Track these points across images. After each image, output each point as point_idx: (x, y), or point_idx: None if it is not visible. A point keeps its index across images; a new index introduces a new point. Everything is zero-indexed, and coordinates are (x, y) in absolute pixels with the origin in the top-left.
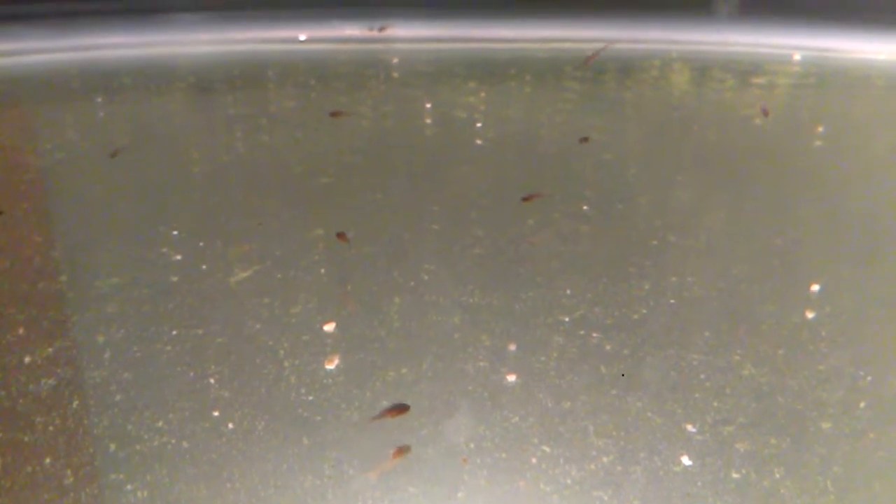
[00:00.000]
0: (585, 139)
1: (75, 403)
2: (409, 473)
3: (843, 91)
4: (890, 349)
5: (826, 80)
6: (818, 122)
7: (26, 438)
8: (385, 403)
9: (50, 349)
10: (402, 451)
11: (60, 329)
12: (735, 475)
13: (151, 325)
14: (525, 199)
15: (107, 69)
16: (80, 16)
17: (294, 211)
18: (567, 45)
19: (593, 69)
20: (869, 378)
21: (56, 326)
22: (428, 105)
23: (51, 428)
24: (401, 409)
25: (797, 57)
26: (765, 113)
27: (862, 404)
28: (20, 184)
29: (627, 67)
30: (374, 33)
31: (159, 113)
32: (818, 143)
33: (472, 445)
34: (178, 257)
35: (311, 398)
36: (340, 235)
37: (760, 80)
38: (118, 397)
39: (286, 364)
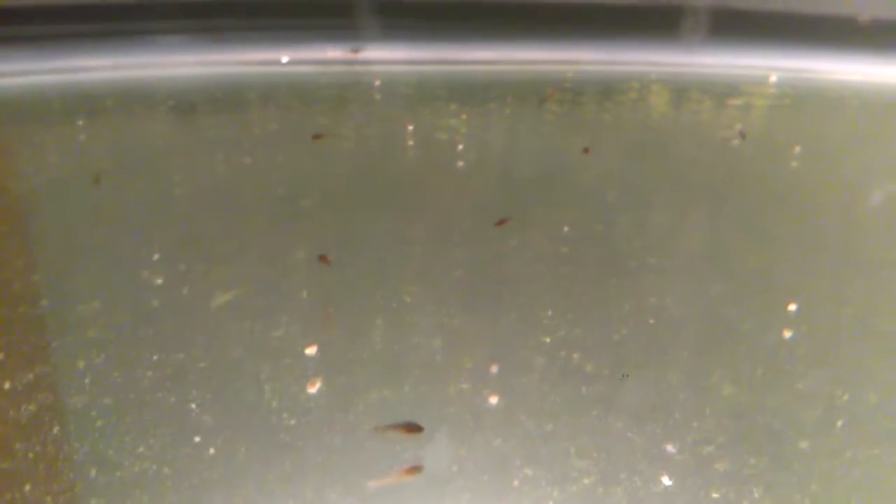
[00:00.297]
0: (586, 150)
1: (56, 429)
2: (392, 497)
3: (819, 112)
4: (866, 368)
5: (802, 101)
6: (794, 143)
7: (6, 465)
8: (367, 427)
9: (30, 374)
10: (414, 469)
11: (41, 354)
12: (715, 495)
13: (132, 349)
14: (498, 224)
15: (88, 91)
16: (60, 38)
17: (276, 234)
18: (547, 68)
19: (573, 91)
20: (846, 397)
21: (37, 351)
22: (410, 127)
23: (31, 454)
24: (413, 428)
25: (773, 78)
26: (742, 135)
27: (839, 423)
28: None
29: (606, 90)
30: (353, 55)
31: (141, 135)
32: (794, 163)
33: (454, 468)
34: (160, 281)
35: (293, 422)
36: (322, 258)
37: (737, 102)
38: (99, 423)
39: (268, 388)
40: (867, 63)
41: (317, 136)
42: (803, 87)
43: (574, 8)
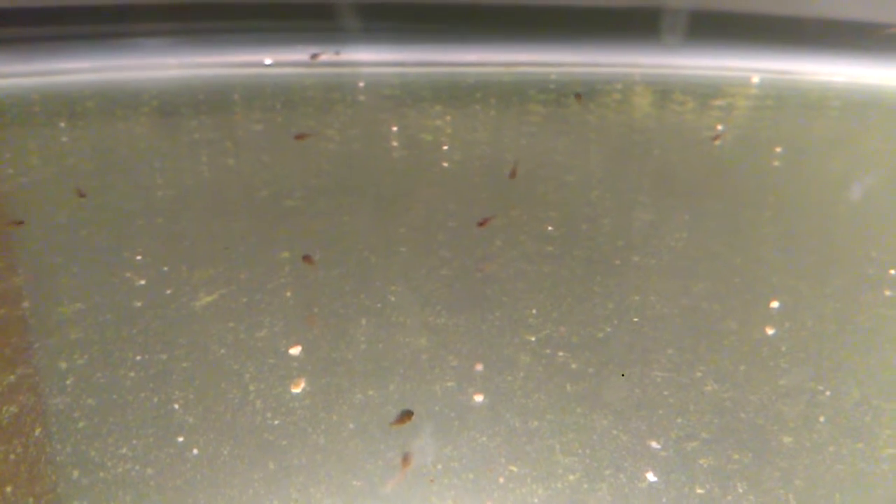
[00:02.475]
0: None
1: (38, 431)
2: (377, 495)
3: (801, 113)
4: (848, 364)
5: (784, 102)
6: (776, 143)
7: None
8: (352, 426)
9: (12, 376)
10: (407, 460)
11: (22, 355)
12: (699, 490)
13: (115, 350)
14: (480, 224)
15: (70, 94)
16: (42, 40)
17: (260, 234)
18: (531, 69)
19: (557, 92)
20: (828, 392)
21: (18, 353)
22: (394, 128)
23: (12, 456)
24: (406, 415)
25: (755, 79)
26: (714, 139)
27: (822, 418)
28: None
29: (590, 91)
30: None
31: (124, 137)
32: (776, 163)
33: (439, 466)
34: (143, 282)
35: (276, 422)
36: (307, 258)
37: (720, 103)
38: (81, 424)
39: (252, 388)
40: (848, 64)
41: (300, 136)
42: (785, 89)
43: (557, 10)
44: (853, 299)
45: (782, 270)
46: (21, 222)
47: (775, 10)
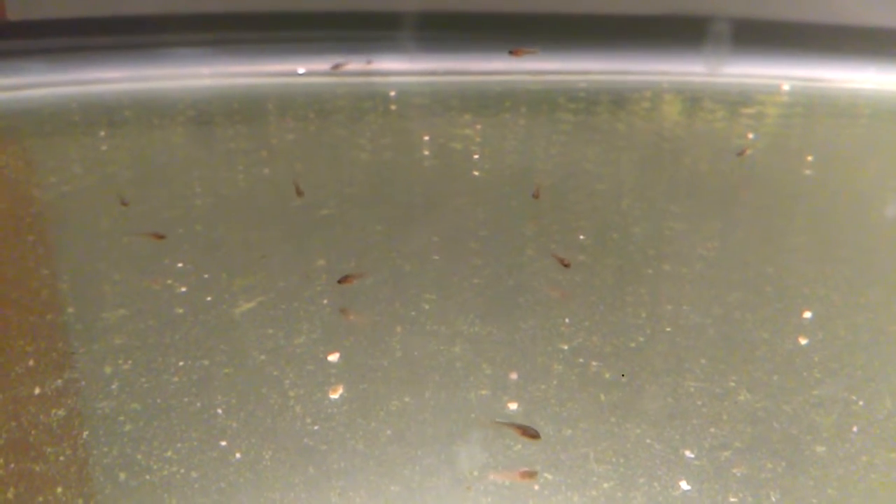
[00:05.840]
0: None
1: (85, 434)
2: (414, 502)
3: (831, 120)
4: (881, 374)
5: (814, 109)
6: (807, 152)
7: (38, 468)
8: (389, 433)
9: (59, 380)
10: (530, 474)
11: (69, 360)
12: (732, 499)
13: (158, 356)
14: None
15: (108, 103)
16: (81, 50)
17: (295, 243)
18: (560, 78)
19: (586, 101)
20: (861, 403)
21: (65, 358)
22: (425, 137)
23: (62, 458)
24: (530, 433)
25: (785, 87)
26: (741, 153)
27: (855, 428)
28: (26, 217)
29: (619, 99)
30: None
31: (161, 146)
32: (808, 171)
33: (475, 473)
34: (184, 289)
35: (316, 427)
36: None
37: (750, 111)
38: (127, 427)
39: (291, 394)
40: (879, 71)
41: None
42: (816, 96)
43: (586, 18)
44: (886, 309)
45: (815, 280)
46: (163, 236)
47: (805, 18)
